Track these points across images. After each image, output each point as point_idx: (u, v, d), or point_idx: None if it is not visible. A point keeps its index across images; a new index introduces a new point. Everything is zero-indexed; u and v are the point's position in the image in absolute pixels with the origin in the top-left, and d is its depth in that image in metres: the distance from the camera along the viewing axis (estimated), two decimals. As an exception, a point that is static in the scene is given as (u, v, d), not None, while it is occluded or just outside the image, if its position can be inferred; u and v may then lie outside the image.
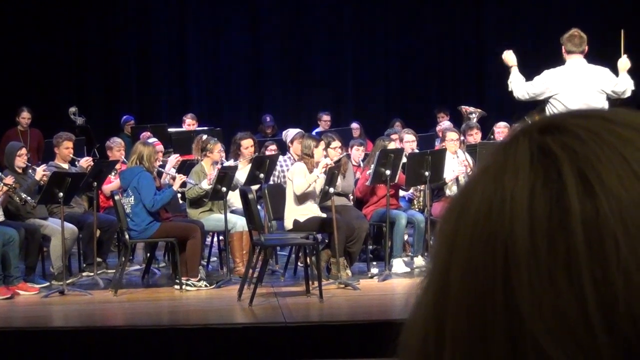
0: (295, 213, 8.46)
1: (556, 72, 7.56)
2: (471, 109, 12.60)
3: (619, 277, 0.56)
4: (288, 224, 8.47)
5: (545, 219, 0.58)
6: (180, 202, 9.57)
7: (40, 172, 8.84)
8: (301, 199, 8.44)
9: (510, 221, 0.59)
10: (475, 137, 10.68)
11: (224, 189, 8.60)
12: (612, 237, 0.57)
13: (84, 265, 9.25)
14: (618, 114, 0.62)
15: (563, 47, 7.61)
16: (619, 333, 0.56)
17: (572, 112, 0.63)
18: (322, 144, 8.76)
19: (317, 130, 12.91)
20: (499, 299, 0.58)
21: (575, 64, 7.52)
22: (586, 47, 7.57)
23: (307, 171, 8.49)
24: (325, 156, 8.74)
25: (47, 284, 8.63)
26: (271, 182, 9.37)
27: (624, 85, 7.57)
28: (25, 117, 12.40)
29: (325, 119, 13.93)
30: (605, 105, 7.35)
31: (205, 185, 8.85)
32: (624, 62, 7.71)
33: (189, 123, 12.71)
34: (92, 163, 9.49)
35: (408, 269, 8.94)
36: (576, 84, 7.41)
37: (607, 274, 0.56)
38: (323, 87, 16.11)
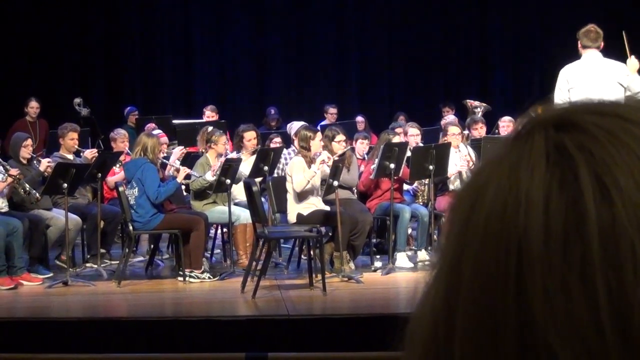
0: (298, 207, 8.45)
1: (572, 66, 7.54)
2: (476, 103, 12.60)
3: (635, 287, 0.55)
4: (291, 217, 8.46)
5: (560, 223, 0.57)
6: (185, 193, 9.58)
7: (45, 164, 8.85)
8: (301, 195, 8.43)
9: (525, 223, 0.58)
10: (480, 131, 10.68)
11: (228, 181, 8.60)
12: (628, 245, 0.56)
13: (88, 256, 9.26)
14: (636, 111, 0.61)
15: (579, 42, 7.60)
16: (633, 343, 0.55)
17: (588, 107, 0.62)
18: (319, 135, 8.71)
19: (324, 122, 12.90)
20: (511, 298, 0.58)
21: (592, 57, 7.51)
22: (602, 43, 7.56)
23: (305, 166, 8.44)
24: (324, 147, 8.71)
25: (51, 274, 8.63)
26: (275, 175, 9.36)
27: (638, 85, 7.51)
28: (33, 107, 12.41)
29: (331, 111, 13.91)
30: (622, 98, 7.26)
31: (209, 176, 8.86)
32: (632, 63, 7.65)
33: (209, 115, 12.70)
34: (96, 154, 9.50)
35: (411, 263, 8.94)
36: (593, 77, 7.39)
37: (622, 283, 0.55)
38: (327, 80, 16.10)
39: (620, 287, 0.55)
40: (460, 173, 9.25)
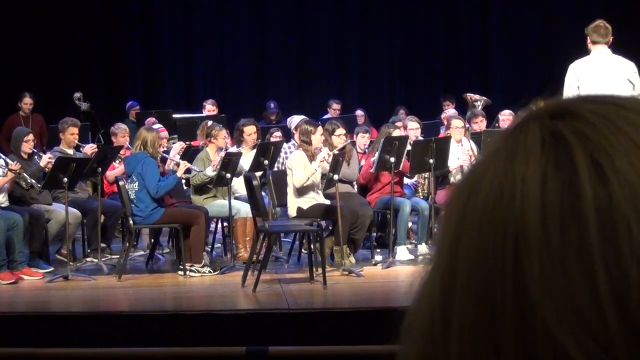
0: (298, 201, 8.45)
1: (582, 62, 7.51)
2: (476, 96, 12.59)
3: (632, 264, 0.56)
4: (291, 212, 8.46)
5: (557, 204, 0.58)
6: (185, 188, 9.58)
7: (46, 159, 8.87)
8: (301, 189, 8.43)
9: (522, 206, 0.58)
10: (480, 124, 10.68)
11: (228, 175, 8.60)
12: (625, 224, 0.56)
13: (88, 250, 9.27)
14: (631, 100, 0.62)
15: (588, 37, 7.56)
16: (632, 320, 0.56)
17: (584, 97, 0.63)
18: (320, 130, 8.71)
19: (326, 117, 12.89)
20: (508, 284, 0.58)
21: (601, 53, 7.48)
22: (611, 38, 7.54)
23: (306, 161, 8.43)
24: (324, 141, 8.70)
25: (51, 269, 8.64)
26: (275, 169, 9.36)
27: None
28: (27, 102, 12.43)
29: (335, 107, 13.88)
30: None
31: (210, 171, 8.86)
32: None
33: (209, 109, 12.70)
34: (96, 150, 9.51)
35: (412, 257, 8.95)
36: (603, 74, 7.36)
37: (619, 261, 0.56)
38: (327, 74, 16.09)
39: (618, 264, 0.56)
40: (462, 167, 9.26)
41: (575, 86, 7.42)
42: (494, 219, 0.59)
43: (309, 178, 8.36)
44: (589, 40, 7.58)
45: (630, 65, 7.48)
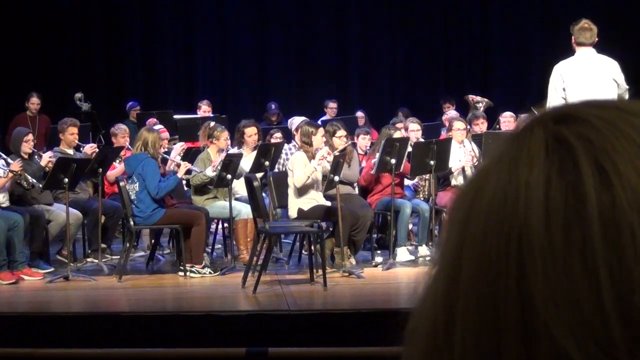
0: (298, 202, 8.45)
1: (566, 63, 7.50)
2: (477, 98, 12.59)
3: (635, 268, 0.56)
4: (292, 213, 8.46)
5: (561, 208, 0.58)
6: (186, 189, 9.58)
7: (46, 159, 8.87)
8: (302, 190, 8.43)
9: (525, 210, 0.59)
10: (481, 126, 10.67)
11: (228, 176, 8.61)
12: (628, 228, 0.57)
13: (89, 251, 9.27)
14: (633, 104, 0.62)
15: (573, 38, 7.56)
16: (634, 325, 0.56)
17: (587, 102, 0.63)
18: (321, 131, 8.72)
19: (324, 118, 12.88)
20: (512, 288, 0.58)
21: (586, 54, 7.47)
22: (596, 39, 7.53)
23: (307, 161, 8.45)
24: (325, 143, 8.70)
25: (52, 269, 8.64)
26: (276, 170, 9.36)
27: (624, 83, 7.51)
28: (34, 102, 12.44)
29: (331, 106, 13.88)
30: (617, 95, 7.28)
31: (210, 172, 8.86)
32: None
33: (204, 110, 12.70)
34: (97, 149, 9.51)
35: (412, 258, 8.95)
36: (588, 74, 7.35)
37: (623, 265, 0.56)
38: (328, 75, 16.09)
39: (621, 268, 0.56)
40: (463, 168, 9.26)
41: (560, 88, 7.41)
42: (498, 222, 0.59)
43: (309, 177, 8.37)
44: (573, 40, 7.58)
45: (615, 64, 7.47)
